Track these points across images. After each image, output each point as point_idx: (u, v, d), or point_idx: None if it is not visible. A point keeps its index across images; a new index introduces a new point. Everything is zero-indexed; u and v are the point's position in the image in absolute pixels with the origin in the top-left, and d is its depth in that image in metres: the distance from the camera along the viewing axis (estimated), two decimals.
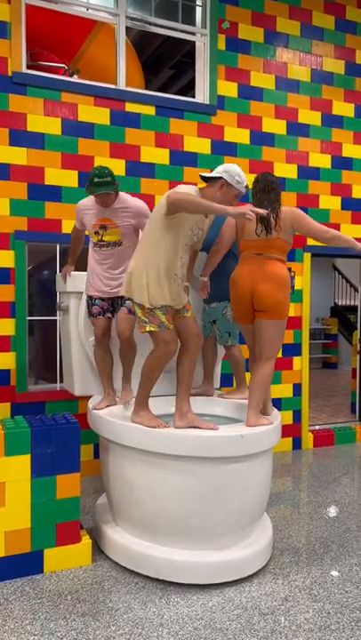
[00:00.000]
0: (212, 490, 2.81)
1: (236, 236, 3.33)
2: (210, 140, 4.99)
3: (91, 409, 3.34)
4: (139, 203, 3.45)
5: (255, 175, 3.29)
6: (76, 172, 4.49)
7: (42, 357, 5.56)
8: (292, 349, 5.43)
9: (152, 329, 2.89)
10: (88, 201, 3.48)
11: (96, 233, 3.42)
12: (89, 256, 3.53)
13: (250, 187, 3.21)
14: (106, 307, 3.49)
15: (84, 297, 3.60)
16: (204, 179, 3.05)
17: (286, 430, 5.27)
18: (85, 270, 3.59)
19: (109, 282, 3.45)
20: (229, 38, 5.04)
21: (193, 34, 5.02)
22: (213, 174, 3.01)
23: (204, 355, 3.77)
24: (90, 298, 3.52)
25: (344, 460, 5.18)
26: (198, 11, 5.08)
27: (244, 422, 3.11)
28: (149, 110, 4.75)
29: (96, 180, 3.22)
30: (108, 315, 3.51)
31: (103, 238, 3.41)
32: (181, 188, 2.90)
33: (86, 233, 3.57)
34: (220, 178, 2.97)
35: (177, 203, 2.77)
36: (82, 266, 3.70)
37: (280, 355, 5.30)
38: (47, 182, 4.40)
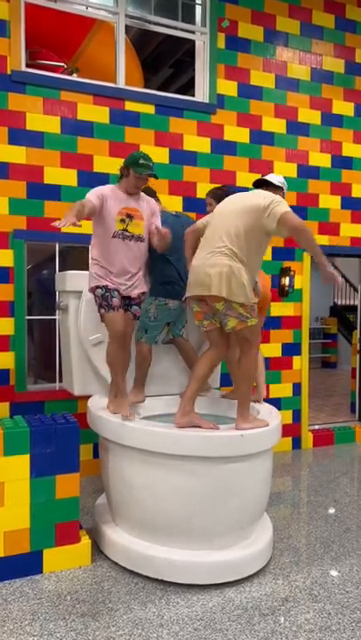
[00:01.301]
0: (212, 490, 2.80)
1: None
2: (209, 139, 4.97)
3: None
4: (154, 203, 3.43)
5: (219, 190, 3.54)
6: (76, 170, 4.48)
7: (41, 357, 5.55)
8: (292, 349, 5.42)
9: (253, 322, 2.94)
10: (106, 189, 3.25)
11: (122, 221, 3.20)
12: (101, 247, 3.24)
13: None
14: (121, 301, 3.26)
15: (85, 294, 3.54)
16: (267, 183, 3.16)
17: (286, 430, 5.26)
18: (85, 269, 3.56)
19: (126, 281, 3.27)
20: (229, 37, 5.03)
21: (193, 32, 5.00)
22: (276, 182, 3.16)
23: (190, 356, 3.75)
24: (106, 289, 3.20)
25: (344, 459, 5.18)
26: (198, 9, 5.07)
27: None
28: (149, 109, 4.74)
29: (142, 161, 3.12)
30: (125, 309, 3.30)
31: (128, 228, 3.23)
32: (272, 196, 2.96)
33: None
34: (282, 189, 3.18)
35: (295, 231, 2.87)
36: (81, 265, 3.68)
37: (280, 354, 5.30)
38: (46, 181, 4.38)
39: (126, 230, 3.22)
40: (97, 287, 3.23)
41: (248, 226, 2.90)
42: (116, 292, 3.21)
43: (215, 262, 2.87)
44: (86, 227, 4.49)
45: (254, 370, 3.14)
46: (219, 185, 4.29)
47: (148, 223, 3.32)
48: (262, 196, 2.96)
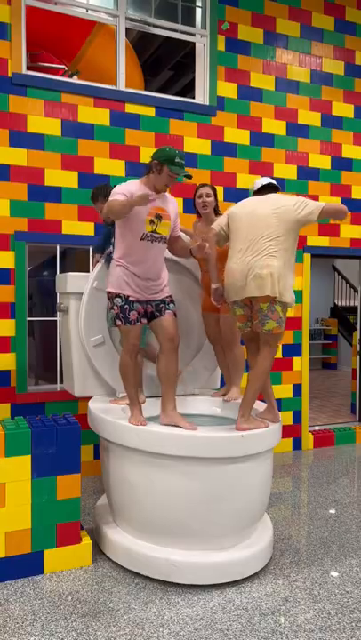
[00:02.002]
0: (213, 490, 2.81)
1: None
2: (210, 141, 4.99)
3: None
4: (176, 203, 3.31)
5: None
6: (76, 172, 4.49)
7: (42, 358, 5.56)
8: (292, 350, 5.43)
9: (283, 328, 3.04)
10: (132, 186, 3.04)
11: (151, 222, 3.03)
12: (127, 249, 3.05)
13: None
14: (142, 311, 3.11)
15: (85, 296, 3.55)
16: (274, 187, 3.32)
17: (286, 431, 5.27)
18: (86, 271, 3.57)
19: (153, 284, 3.11)
20: (229, 39, 5.05)
21: (193, 35, 5.02)
22: (275, 184, 3.35)
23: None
24: (126, 300, 3.05)
25: (344, 460, 5.18)
26: (198, 12, 5.09)
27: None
28: (149, 111, 4.76)
29: (178, 159, 2.95)
30: (144, 320, 3.14)
31: (157, 230, 3.05)
32: (293, 197, 3.15)
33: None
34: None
35: (340, 212, 3.10)
36: (82, 266, 3.69)
37: (280, 355, 5.31)
38: (47, 183, 4.40)
39: (155, 232, 3.06)
40: (117, 295, 3.06)
41: (287, 227, 3.01)
42: (136, 305, 3.06)
43: (266, 264, 2.95)
44: (86, 228, 4.52)
45: (267, 374, 3.14)
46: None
47: (173, 225, 3.20)
48: (285, 198, 3.12)
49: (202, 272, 3.74)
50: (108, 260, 3.43)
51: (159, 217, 3.06)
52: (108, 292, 3.15)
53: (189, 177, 3.05)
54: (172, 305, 3.19)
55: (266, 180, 3.32)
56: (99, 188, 3.69)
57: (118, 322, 3.07)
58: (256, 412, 3.25)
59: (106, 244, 3.55)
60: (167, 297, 3.20)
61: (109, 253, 3.43)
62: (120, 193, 2.95)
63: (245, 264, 3.00)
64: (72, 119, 4.48)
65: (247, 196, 3.35)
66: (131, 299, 3.05)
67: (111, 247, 3.37)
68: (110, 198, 2.98)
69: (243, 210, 3.16)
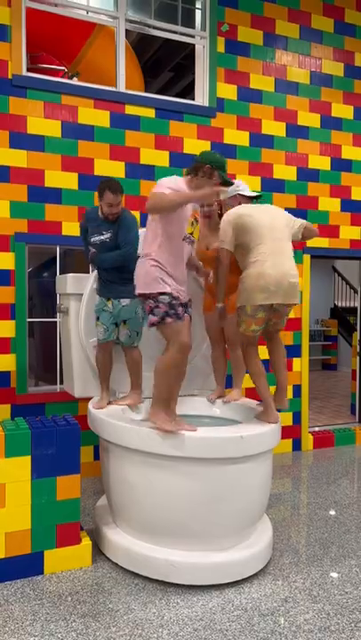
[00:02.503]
0: (213, 491, 2.81)
1: None
2: (210, 143, 5.00)
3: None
4: None
5: None
6: (76, 174, 4.50)
7: (42, 359, 5.57)
8: (292, 351, 5.43)
9: None
10: (180, 183, 2.91)
11: (191, 224, 3.05)
12: (169, 249, 2.91)
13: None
14: None
15: (85, 296, 3.56)
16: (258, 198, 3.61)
17: (286, 432, 5.27)
18: (86, 272, 3.58)
19: (183, 285, 3.03)
20: (229, 41, 5.06)
21: (192, 36, 5.04)
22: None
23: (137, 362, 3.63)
24: (171, 296, 2.88)
25: (344, 461, 5.19)
26: (198, 13, 5.10)
27: (243, 423, 3.13)
28: (149, 113, 4.77)
29: (226, 167, 2.93)
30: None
31: (193, 232, 3.07)
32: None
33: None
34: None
35: (312, 233, 3.44)
36: (82, 267, 3.70)
37: None
38: (47, 184, 4.41)
39: (192, 234, 3.05)
40: (162, 293, 2.86)
41: (290, 238, 3.27)
42: (178, 300, 2.92)
43: (295, 272, 3.15)
44: None
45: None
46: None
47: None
48: (283, 211, 3.36)
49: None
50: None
51: (196, 220, 3.06)
52: (150, 295, 2.88)
53: (231, 184, 3.01)
54: (190, 309, 3.12)
55: (256, 193, 3.58)
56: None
57: (169, 319, 2.85)
58: (256, 413, 3.27)
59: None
60: (189, 300, 3.14)
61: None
62: (167, 187, 2.79)
63: (284, 269, 3.08)
64: (72, 121, 4.49)
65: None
66: (174, 295, 2.90)
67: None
68: (157, 191, 2.78)
69: (261, 215, 3.21)
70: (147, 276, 2.89)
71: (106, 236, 3.41)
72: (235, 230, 3.19)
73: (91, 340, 3.61)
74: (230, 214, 3.25)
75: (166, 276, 2.89)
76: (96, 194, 4.47)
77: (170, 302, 2.86)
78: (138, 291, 2.94)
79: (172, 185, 2.82)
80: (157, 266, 2.88)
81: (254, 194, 3.62)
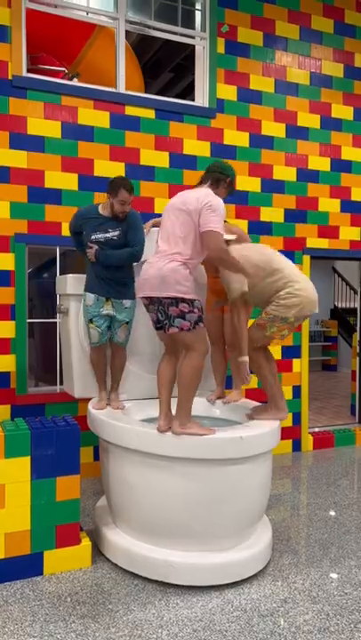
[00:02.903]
0: (212, 492, 2.81)
1: None
2: (209, 143, 5.00)
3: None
4: None
5: None
6: (76, 174, 4.51)
7: (42, 360, 5.57)
8: (292, 352, 5.43)
9: None
10: (221, 202, 2.99)
11: None
12: (199, 258, 2.98)
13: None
14: None
15: (85, 297, 3.56)
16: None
17: (286, 432, 5.27)
18: (84, 272, 3.58)
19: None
20: (229, 42, 5.07)
21: (192, 37, 5.04)
22: None
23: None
24: (200, 303, 2.92)
25: (344, 462, 5.19)
26: (198, 14, 5.11)
27: (242, 424, 3.13)
28: (149, 113, 4.77)
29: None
30: None
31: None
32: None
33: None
34: None
35: None
36: (82, 268, 3.70)
37: (280, 357, 5.31)
38: (47, 185, 4.41)
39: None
40: (196, 299, 2.87)
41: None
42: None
43: None
44: None
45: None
46: None
47: None
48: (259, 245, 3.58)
49: (208, 276, 3.77)
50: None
51: None
52: (184, 298, 2.82)
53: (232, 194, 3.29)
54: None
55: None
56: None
57: (202, 324, 2.87)
58: (254, 412, 3.28)
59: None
60: None
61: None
62: (222, 216, 2.89)
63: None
64: (72, 121, 4.49)
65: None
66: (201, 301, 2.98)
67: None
68: (216, 228, 2.83)
69: (256, 248, 3.39)
70: (186, 280, 2.83)
71: (112, 234, 3.41)
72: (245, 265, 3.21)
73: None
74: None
75: (194, 282, 2.91)
76: (96, 194, 4.52)
77: (201, 307, 2.89)
78: (170, 293, 2.80)
79: (223, 215, 2.90)
80: (190, 273, 2.88)
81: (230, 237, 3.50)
